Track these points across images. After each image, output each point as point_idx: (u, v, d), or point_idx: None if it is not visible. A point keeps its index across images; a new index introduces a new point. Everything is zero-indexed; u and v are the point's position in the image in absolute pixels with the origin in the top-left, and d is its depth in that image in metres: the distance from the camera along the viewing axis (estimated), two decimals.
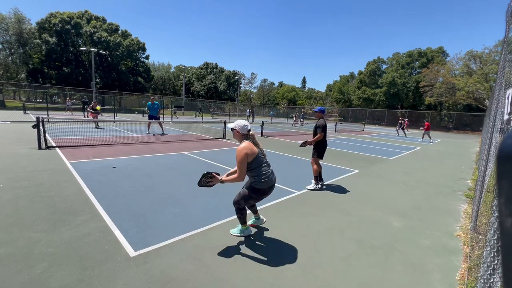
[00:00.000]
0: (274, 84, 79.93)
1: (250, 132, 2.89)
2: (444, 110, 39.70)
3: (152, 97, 12.24)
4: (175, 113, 27.69)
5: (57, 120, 10.23)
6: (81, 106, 21.96)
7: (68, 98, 26.99)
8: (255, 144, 2.86)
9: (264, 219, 3.40)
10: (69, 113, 23.15)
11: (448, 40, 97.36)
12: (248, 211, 3.26)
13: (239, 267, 2.52)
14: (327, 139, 5.17)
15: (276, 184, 5.06)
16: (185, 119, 25.21)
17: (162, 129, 12.57)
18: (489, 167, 3.44)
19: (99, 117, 14.90)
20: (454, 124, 35.91)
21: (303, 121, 29.33)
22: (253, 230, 3.25)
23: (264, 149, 3.03)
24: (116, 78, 40.69)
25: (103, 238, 2.83)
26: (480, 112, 31.40)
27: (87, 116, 15.07)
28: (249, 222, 3.29)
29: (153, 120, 11.86)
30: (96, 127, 13.02)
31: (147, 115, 12.59)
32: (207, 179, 2.79)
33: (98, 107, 14.03)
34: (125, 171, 5.44)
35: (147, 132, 12.07)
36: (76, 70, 37.68)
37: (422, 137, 18.02)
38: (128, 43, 41.79)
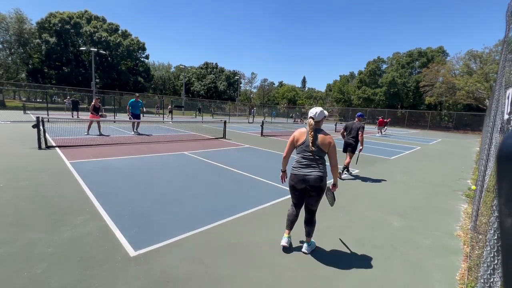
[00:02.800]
0: (274, 84, 79.93)
1: (309, 121, 2.74)
2: (444, 110, 39.66)
3: (137, 95, 11.96)
4: (171, 112, 27.08)
5: (57, 120, 10.24)
6: (71, 106, 21.42)
7: (68, 97, 26.69)
8: (308, 133, 2.71)
9: (304, 248, 2.87)
10: (68, 112, 22.96)
11: (448, 40, 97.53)
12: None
13: (239, 267, 2.51)
14: (348, 138, 6.18)
15: (275, 184, 5.15)
16: (185, 119, 25.21)
17: (135, 128, 11.79)
18: (489, 167, 3.44)
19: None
20: (454, 123, 35.90)
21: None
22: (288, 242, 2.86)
23: (314, 147, 2.68)
24: (116, 78, 40.67)
25: (103, 238, 2.83)
26: (480, 112, 31.38)
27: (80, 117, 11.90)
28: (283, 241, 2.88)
29: (135, 120, 11.46)
30: (100, 134, 10.48)
31: (142, 114, 12.11)
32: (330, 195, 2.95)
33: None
34: (125, 171, 5.44)
35: (133, 132, 11.66)
36: (76, 70, 37.67)
37: (379, 132, 20.26)
38: (128, 43, 41.76)
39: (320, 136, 2.67)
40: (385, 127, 21.37)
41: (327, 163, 2.73)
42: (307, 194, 2.77)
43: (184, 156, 7.46)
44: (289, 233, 2.89)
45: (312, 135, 2.67)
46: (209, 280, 2.30)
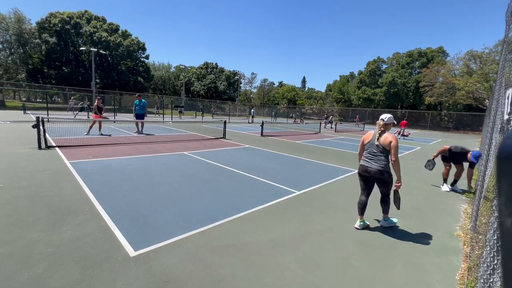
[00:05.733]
0: (274, 84, 79.95)
1: (379, 122, 3.32)
2: (444, 110, 39.70)
3: (137, 95, 11.98)
4: (181, 112, 27.61)
5: (57, 120, 10.24)
6: (74, 107, 21.70)
7: (72, 98, 26.69)
8: (375, 134, 3.32)
9: (362, 224, 3.50)
10: (70, 112, 22.73)
11: (448, 40, 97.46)
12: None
13: (239, 267, 2.51)
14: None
15: (275, 184, 5.16)
16: (185, 119, 25.20)
17: (139, 128, 12.03)
18: (489, 167, 3.44)
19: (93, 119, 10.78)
20: (454, 124, 35.91)
21: (331, 123, 26.16)
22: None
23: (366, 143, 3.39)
24: (116, 78, 40.65)
25: (103, 238, 2.83)
26: (480, 112, 31.38)
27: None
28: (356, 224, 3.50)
29: (139, 120, 11.49)
30: (100, 134, 10.47)
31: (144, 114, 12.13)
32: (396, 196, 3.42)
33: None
34: (125, 171, 5.43)
35: (140, 132, 11.83)
36: (76, 70, 37.65)
37: (401, 134, 18.48)
38: (128, 43, 41.74)
39: (383, 136, 3.22)
40: (331, 122, 20.30)
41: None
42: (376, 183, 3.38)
43: (184, 156, 7.46)
44: (362, 219, 3.47)
45: (379, 133, 3.25)
46: (209, 280, 2.30)
